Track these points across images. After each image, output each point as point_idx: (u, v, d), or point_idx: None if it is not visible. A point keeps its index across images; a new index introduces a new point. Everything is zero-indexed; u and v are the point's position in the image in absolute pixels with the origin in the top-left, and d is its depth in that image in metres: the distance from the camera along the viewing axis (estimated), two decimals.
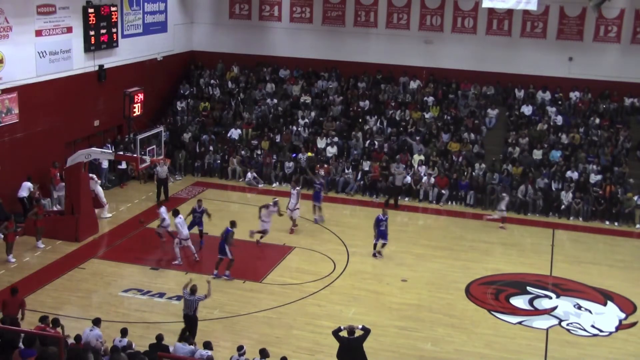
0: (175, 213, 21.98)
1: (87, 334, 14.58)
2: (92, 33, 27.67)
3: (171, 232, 22.76)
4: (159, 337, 14.76)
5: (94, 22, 27.64)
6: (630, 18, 31.56)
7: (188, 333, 16.33)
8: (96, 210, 24.90)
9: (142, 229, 24.46)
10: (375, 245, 22.87)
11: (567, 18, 32.27)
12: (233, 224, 21.19)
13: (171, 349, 14.68)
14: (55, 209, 24.88)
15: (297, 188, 25.63)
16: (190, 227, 22.53)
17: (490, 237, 25.34)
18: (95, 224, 23.96)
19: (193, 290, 16.62)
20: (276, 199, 24.19)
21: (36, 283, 19.85)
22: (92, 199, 25.04)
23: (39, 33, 25.16)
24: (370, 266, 22.17)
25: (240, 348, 14.62)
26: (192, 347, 14.66)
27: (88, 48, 27.68)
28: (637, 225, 27.02)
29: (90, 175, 25.95)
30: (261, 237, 23.49)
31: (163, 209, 23.14)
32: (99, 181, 26.32)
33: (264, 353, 14.50)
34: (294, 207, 24.99)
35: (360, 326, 14.89)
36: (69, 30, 26.66)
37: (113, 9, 28.75)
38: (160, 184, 27.57)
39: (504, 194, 26.70)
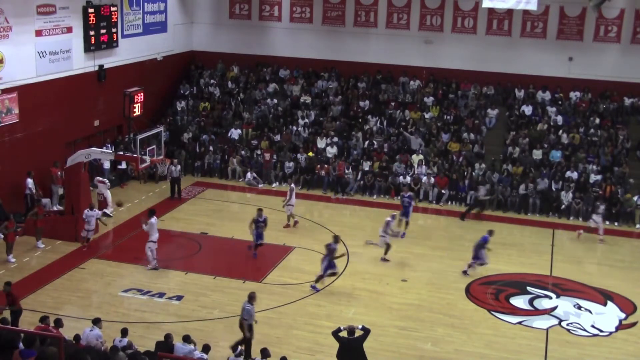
0: (151, 214, 21.48)
1: (87, 334, 14.58)
2: (92, 33, 27.67)
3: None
4: (168, 336, 14.77)
5: (94, 22, 27.63)
6: (630, 18, 31.56)
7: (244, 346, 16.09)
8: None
9: (142, 229, 24.44)
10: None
11: (567, 18, 32.27)
12: (336, 238, 20.97)
13: None
14: (55, 208, 24.87)
15: (292, 185, 25.86)
16: (257, 239, 22.28)
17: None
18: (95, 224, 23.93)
19: (251, 298, 16.33)
20: (394, 214, 23.43)
21: (36, 283, 19.85)
22: (100, 202, 25.32)
23: (39, 33, 25.16)
24: (371, 266, 22.16)
25: (235, 349, 14.62)
26: (191, 346, 14.66)
27: (88, 48, 27.67)
28: (637, 225, 27.03)
29: (102, 179, 26.05)
30: (386, 253, 22.64)
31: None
32: (108, 184, 26.32)
33: (265, 353, 14.51)
34: (287, 203, 25.16)
35: (360, 326, 14.89)
36: (69, 30, 26.66)
37: (113, 9, 28.75)
38: (174, 183, 27.84)
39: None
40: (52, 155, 25.41)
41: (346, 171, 29.70)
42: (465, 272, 21.74)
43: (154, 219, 21.16)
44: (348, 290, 20.40)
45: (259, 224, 22.26)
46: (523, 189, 28.04)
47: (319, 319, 18.50)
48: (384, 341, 17.24)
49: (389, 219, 22.57)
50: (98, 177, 26.34)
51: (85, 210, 22.37)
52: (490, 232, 22.16)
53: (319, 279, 20.25)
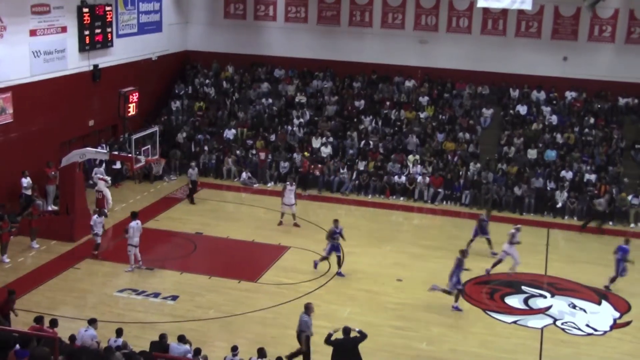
0: (134, 216, 21.15)
1: (82, 334, 14.56)
2: (86, 33, 27.60)
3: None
4: (162, 336, 14.76)
5: (88, 21, 27.57)
6: (625, 18, 31.65)
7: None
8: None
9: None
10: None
11: (562, 18, 32.34)
12: (464, 253, 20.00)
13: None
14: (50, 208, 24.82)
15: (293, 185, 25.83)
16: (329, 252, 21.41)
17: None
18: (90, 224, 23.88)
19: (308, 309, 16.12)
20: (518, 226, 22.53)
21: (31, 283, 19.80)
22: (99, 200, 25.27)
23: (33, 33, 25.09)
24: (366, 266, 22.17)
25: (234, 348, 14.62)
26: (186, 346, 14.64)
27: (83, 48, 27.61)
28: (632, 225, 27.09)
29: (104, 177, 26.03)
30: (513, 269, 21.93)
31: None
32: (109, 183, 26.30)
33: (261, 352, 14.52)
34: (292, 203, 25.17)
35: (357, 329, 14.83)
36: (64, 29, 26.60)
37: (108, 8, 28.70)
38: (193, 186, 27.51)
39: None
40: (47, 155, 25.34)
41: (341, 171, 29.71)
42: (607, 287, 21.24)
43: (134, 222, 20.84)
44: (343, 290, 20.41)
45: (334, 236, 21.40)
46: (517, 191, 28.04)
47: (315, 319, 18.35)
48: (379, 341, 17.23)
49: (513, 230, 21.89)
50: (99, 175, 26.33)
51: (94, 217, 21.86)
52: (627, 241, 21.66)
53: (454, 295, 19.59)
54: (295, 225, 25.33)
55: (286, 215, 25.46)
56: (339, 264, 21.32)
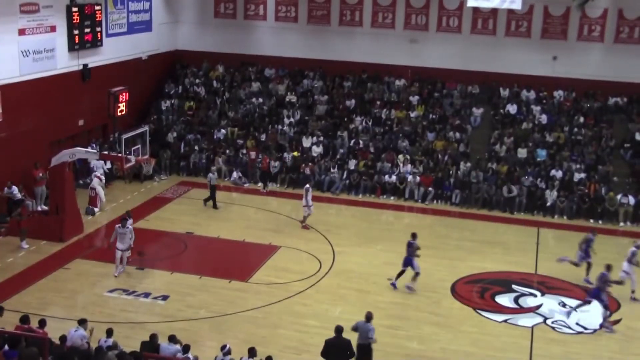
0: (123, 223, 20.54)
1: (71, 335, 14.50)
2: (76, 32, 27.49)
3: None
4: (153, 336, 14.73)
5: (77, 21, 27.46)
6: (614, 18, 31.79)
7: None
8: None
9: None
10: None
11: (551, 17, 32.45)
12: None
13: None
14: (39, 209, 24.73)
15: (307, 186, 25.77)
16: (405, 265, 20.50)
17: (475, 236, 25.45)
18: (80, 224, 23.82)
19: (368, 318, 15.59)
20: (638, 243, 21.27)
21: (20, 284, 19.70)
22: (91, 198, 25.41)
23: (22, 32, 24.95)
24: (356, 265, 22.18)
25: (223, 347, 14.59)
26: (177, 346, 14.62)
27: (72, 47, 27.50)
28: (621, 224, 27.20)
29: (99, 175, 25.97)
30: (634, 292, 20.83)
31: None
32: (103, 181, 26.24)
33: (252, 352, 14.50)
34: (308, 204, 25.09)
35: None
36: (53, 29, 26.49)
37: (97, 8, 28.60)
38: (212, 191, 27.14)
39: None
40: (36, 155, 25.21)
41: (332, 170, 29.71)
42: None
43: (117, 226, 20.45)
44: (334, 289, 20.41)
45: (411, 248, 20.57)
46: (506, 192, 28.10)
47: (305, 318, 18.51)
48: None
49: (633, 249, 21.05)
50: (96, 172, 26.26)
51: (116, 227, 21.12)
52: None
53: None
54: (304, 227, 25.17)
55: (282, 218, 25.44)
56: (399, 276, 20.58)
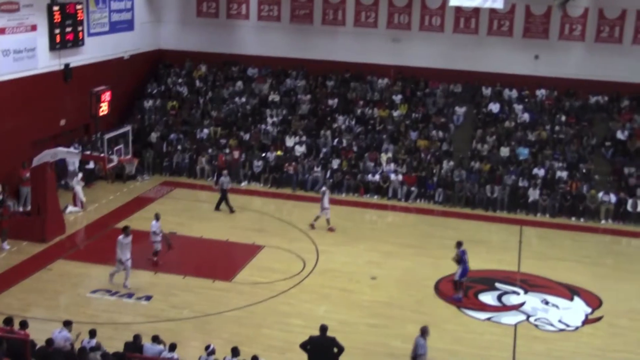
0: (126, 232, 19.88)
1: (55, 336, 14.42)
2: (57, 31, 27.29)
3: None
4: (136, 337, 14.67)
5: (59, 20, 27.27)
6: (594, 17, 32.00)
7: None
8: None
9: (110, 229, 24.26)
10: None
11: (533, 16, 32.62)
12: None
13: None
14: (21, 209, 24.55)
15: (323, 188, 25.76)
16: (462, 276, 20.05)
17: (458, 234, 25.45)
18: (62, 225, 23.68)
19: (423, 332, 15.43)
20: None
21: (2, 285, 19.57)
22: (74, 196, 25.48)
23: (2, 31, 24.73)
24: (340, 264, 22.20)
25: (207, 347, 14.57)
26: (160, 347, 14.58)
27: (53, 46, 27.31)
28: (602, 221, 27.40)
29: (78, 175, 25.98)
30: None
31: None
32: (78, 180, 26.16)
33: (235, 352, 14.48)
34: (325, 207, 25.05)
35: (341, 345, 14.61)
36: (34, 28, 26.28)
37: (78, 7, 28.41)
38: (224, 195, 26.76)
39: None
40: (18, 155, 25.03)
41: (315, 169, 29.72)
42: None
43: (121, 237, 19.79)
44: (318, 289, 20.42)
45: (463, 258, 20.07)
46: (489, 191, 28.24)
47: (290, 318, 18.50)
48: (354, 339, 17.23)
49: None
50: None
51: (153, 222, 21.26)
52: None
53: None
54: (330, 229, 25.08)
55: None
56: (457, 287, 20.31)
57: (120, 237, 19.73)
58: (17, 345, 13.67)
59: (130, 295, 19.38)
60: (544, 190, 28.02)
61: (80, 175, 26.73)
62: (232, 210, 26.59)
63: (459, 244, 20.24)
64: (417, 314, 19.11)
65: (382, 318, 18.83)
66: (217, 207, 26.71)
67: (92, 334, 14.76)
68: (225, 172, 27.51)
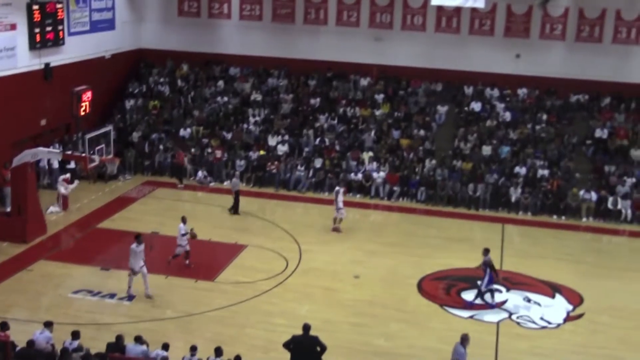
0: (139, 240, 19.36)
1: (36, 337, 14.32)
2: (37, 30, 27.08)
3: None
4: (119, 337, 14.60)
5: (39, 19, 27.05)
6: (574, 16, 32.22)
7: None
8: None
9: (92, 229, 24.15)
10: None
11: (514, 16, 32.79)
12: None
13: None
14: (8, 210, 24.33)
15: (337, 188, 25.70)
16: (488, 284, 19.93)
17: (441, 233, 25.63)
18: (43, 225, 23.50)
19: (463, 340, 15.07)
20: None
21: None
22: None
23: None
24: (323, 263, 22.20)
25: (193, 348, 14.53)
26: (144, 347, 14.52)
27: (33, 46, 27.10)
28: (584, 219, 27.58)
29: (65, 177, 25.69)
30: None
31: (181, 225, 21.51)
32: (68, 186, 25.97)
33: (218, 352, 14.45)
34: (339, 207, 24.99)
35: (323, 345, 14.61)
36: (13, 27, 26.05)
37: (59, 6, 28.20)
38: (237, 196, 26.52)
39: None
40: None
41: (298, 168, 29.70)
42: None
43: (134, 245, 19.17)
44: (301, 288, 20.41)
45: (489, 265, 20.01)
46: (472, 189, 28.35)
47: (273, 317, 18.48)
48: (337, 337, 17.23)
49: None
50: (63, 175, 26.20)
51: (180, 225, 21.18)
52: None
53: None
54: (334, 230, 25.07)
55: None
56: (493, 296, 20.15)
57: (133, 245, 19.09)
58: None
59: (112, 296, 19.27)
60: (525, 188, 28.16)
61: (65, 176, 26.44)
62: (235, 212, 26.33)
63: (486, 251, 20.22)
64: (401, 313, 19.17)
65: (365, 317, 18.85)
66: (236, 211, 26.39)
67: (75, 335, 14.65)
68: (237, 173, 27.53)
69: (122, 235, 23.73)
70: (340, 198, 25.10)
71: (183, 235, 21.22)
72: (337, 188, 25.79)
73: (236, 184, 26.65)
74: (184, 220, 21.50)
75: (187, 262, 21.36)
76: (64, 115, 27.19)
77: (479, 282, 21.15)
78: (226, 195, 28.15)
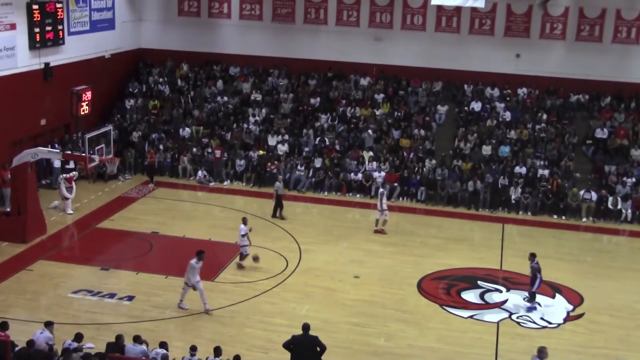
0: (200, 256, 18.47)
1: (37, 337, 14.32)
2: (37, 30, 27.04)
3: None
4: (119, 337, 14.59)
5: (38, 18, 27.02)
6: (575, 16, 32.18)
7: None
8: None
9: (92, 229, 24.16)
10: None
11: (514, 15, 32.77)
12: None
13: None
14: (8, 210, 24.32)
15: (381, 190, 25.66)
16: (538, 287, 19.79)
17: (441, 233, 25.60)
18: (43, 225, 23.48)
19: (542, 352, 14.46)
20: None
21: None
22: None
23: None
24: (323, 263, 22.18)
25: (193, 348, 14.52)
26: (143, 347, 14.52)
27: (33, 45, 27.07)
28: (584, 219, 27.56)
29: (67, 176, 25.69)
30: None
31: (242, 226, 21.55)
32: (69, 185, 25.94)
33: (217, 351, 14.45)
34: (382, 209, 24.90)
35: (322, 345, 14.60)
36: (13, 27, 26.03)
37: (59, 5, 28.18)
38: (279, 200, 26.25)
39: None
40: None
41: (298, 168, 29.69)
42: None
43: (193, 261, 18.44)
44: (301, 288, 20.39)
45: (538, 270, 19.77)
46: (471, 186, 28.36)
47: (272, 317, 18.47)
48: (337, 337, 17.27)
49: None
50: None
51: (241, 226, 21.18)
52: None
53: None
54: (376, 231, 25.00)
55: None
56: (532, 297, 20.07)
57: (193, 261, 18.50)
58: None
59: (112, 296, 19.26)
60: (525, 188, 28.15)
61: (68, 175, 26.37)
62: (280, 216, 26.04)
63: (533, 256, 20.12)
64: (400, 313, 19.15)
65: (365, 317, 18.84)
66: (274, 214, 26.16)
67: (78, 338, 14.59)
68: (280, 177, 27.36)
69: (122, 235, 23.76)
70: (384, 200, 25.03)
71: (243, 235, 21.23)
72: (380, 190, 25.73)
73: (279, 187, 26.34)
74: (244, 221, 21.53)
75: (242, 263, 21.49)
76: (63, 115, 27.28)
77: (479, 282, 21.18)
78: (226, 195, 28.19)
